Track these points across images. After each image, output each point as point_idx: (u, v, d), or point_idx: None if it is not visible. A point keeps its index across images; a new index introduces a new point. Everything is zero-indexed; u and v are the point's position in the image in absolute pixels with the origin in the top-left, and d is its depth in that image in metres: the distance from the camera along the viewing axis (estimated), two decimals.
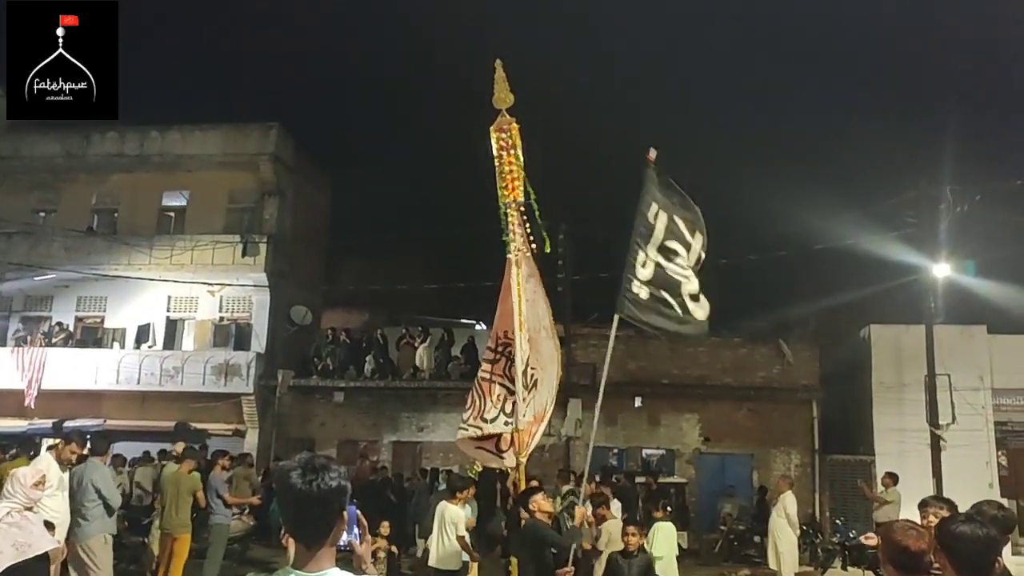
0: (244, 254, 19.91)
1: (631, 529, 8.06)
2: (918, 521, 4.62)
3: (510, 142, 7.14)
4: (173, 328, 21.36)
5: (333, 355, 20.35)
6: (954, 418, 16.09)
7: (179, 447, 12.87)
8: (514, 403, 7.21)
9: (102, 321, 21.60)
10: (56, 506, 7.55)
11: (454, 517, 8.81)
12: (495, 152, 7.19)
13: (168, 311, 21.31)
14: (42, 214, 22.47)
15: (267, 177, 20.80)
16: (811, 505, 17.58)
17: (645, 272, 6.99)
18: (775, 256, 19.08)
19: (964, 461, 16.14)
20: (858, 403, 18.74)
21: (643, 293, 6.94)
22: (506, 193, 7.23)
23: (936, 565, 3.32)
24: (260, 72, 47.22)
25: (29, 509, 5.75)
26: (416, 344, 20.28)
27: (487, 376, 7.52)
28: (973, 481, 15.50)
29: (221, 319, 21.09)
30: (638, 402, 19.09)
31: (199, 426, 19.54)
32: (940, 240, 16.02)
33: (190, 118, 22.07)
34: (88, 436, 9.11)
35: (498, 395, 7.37)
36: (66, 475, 7.97)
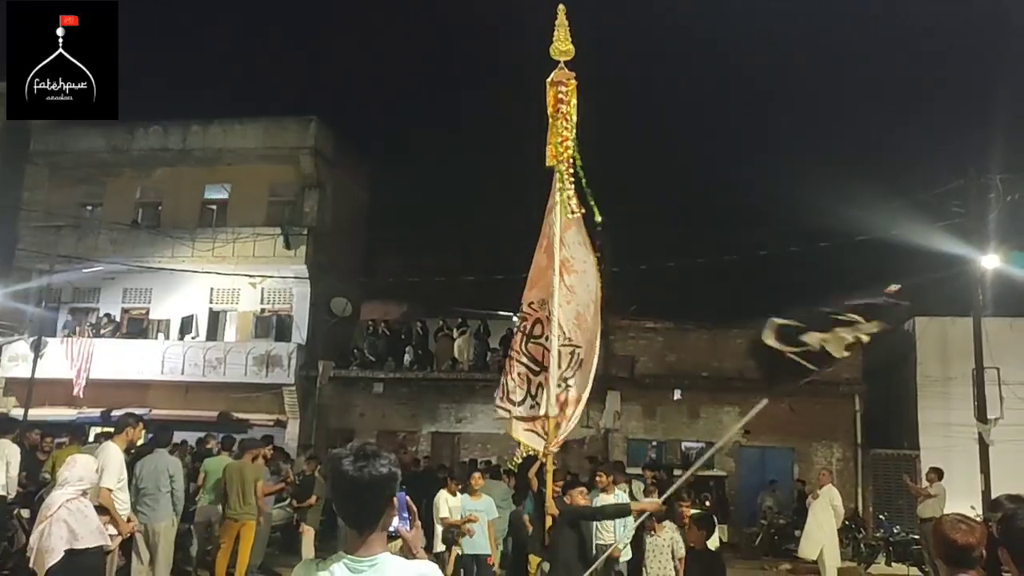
0: (286, 246, 20.15)
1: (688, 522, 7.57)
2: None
3: (567, 98, 6.67)
4: (216, 319, 21.71)
5: (373, 346, 20.53)
6: (1002, 413, 15.71)
7: (212, 442, 13.10)
8: (539, 384, 6.76)
9: (147, 312, 22.02)
10: (125, 497, 7.74)
11: (440, 504, 9.66)
12: (550, 108, 6.70)
13: (211, 303, 21.65)
14: (89, 208, 22.96)
15: (307, 170, 21.00)
16: (853, 500, 17.32)
17: None
18: (817, 247, 18.77)
19: (1013, 456, 15.76)
20: (902, 397, 18.41)
21: None
22: (561, 149, 6.75)
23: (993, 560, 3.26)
24: (297, 64, 47.62)
25: (85, 494, 5.86)
26: (455, 336, 20.37)
27: (512, 354, 7.20)
28: (1021, 476, 15.12)
29: (262, 311, 21.39)
30: (677, 394, 18.97)
31: (241, 416, 19.90)
32: (989, 230, 15.62)
33: (230, 113, 22.24)
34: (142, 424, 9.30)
35: (519, 373, 6.93)
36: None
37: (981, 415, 15.12)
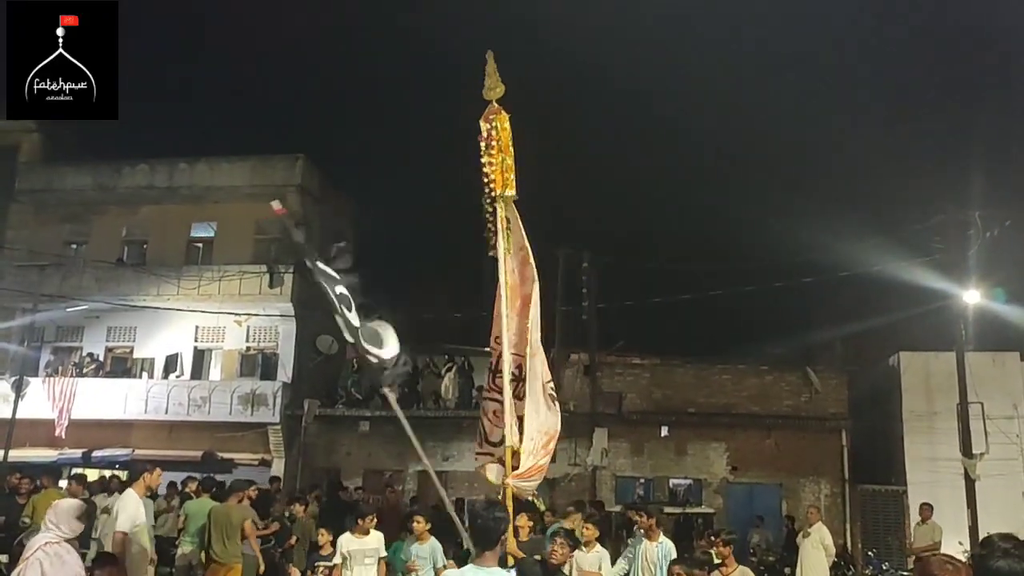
0: (271, 284, 20.12)
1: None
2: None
3: (497, 132, 6.76)
4: (201, 357, 21.56)
5: (358, 385, 20.41)
6: (987, 447, 15.77)
7: (192, 485, 12.94)
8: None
9: (131, 351, 21.86)
10: (145, 540, 8.02)
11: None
12: (482, 144, 6.82)
13: (196, 341, 21.52)
14: (74, 246, 22.84)
15: (294, 208, 21.00)
16: (842, 536, 17.24)
17: None
18: (801, 283, 18.92)
19: (999, 491, 15.82)
20: (888, 432, 18.48)
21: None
22: (493, 187, 6.76)
23: None
24: (281, 102, 47.91)
25: (69, 542, 5.78)
26: (441, 372, 20.30)
27: (485, 394, 7.24)
28: (1008, 511, 15.16)
29: (248, 349, 21.27)
30: (664, 431, 18.95)
31: (226, 455, 19.69)
32: (969, 266, 15.82)
33: (216, 150, 22.34)
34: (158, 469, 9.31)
35: (494, 412, 6.87)
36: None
37: (966, 450, 15.18)
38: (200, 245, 22.23)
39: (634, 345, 20.89)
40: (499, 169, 6.78)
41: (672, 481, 19.01)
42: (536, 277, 7.02)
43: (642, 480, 19.03)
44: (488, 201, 6.86)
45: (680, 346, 20.53)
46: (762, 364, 19.74)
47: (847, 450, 18.42)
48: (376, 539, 8.97)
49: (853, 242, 18.74)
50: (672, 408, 19.06)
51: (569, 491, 18.26)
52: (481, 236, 7.08)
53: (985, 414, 15.96)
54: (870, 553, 16.40)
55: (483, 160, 6.80)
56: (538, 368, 6.73)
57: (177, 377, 20.95)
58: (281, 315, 20.57)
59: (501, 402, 6.69)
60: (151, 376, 21.14)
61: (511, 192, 6.83)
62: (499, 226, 6.85)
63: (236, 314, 20.56)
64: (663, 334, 21.13)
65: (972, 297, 15.99)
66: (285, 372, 20.45)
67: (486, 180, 6.80)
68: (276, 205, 5.82)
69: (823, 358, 21.42)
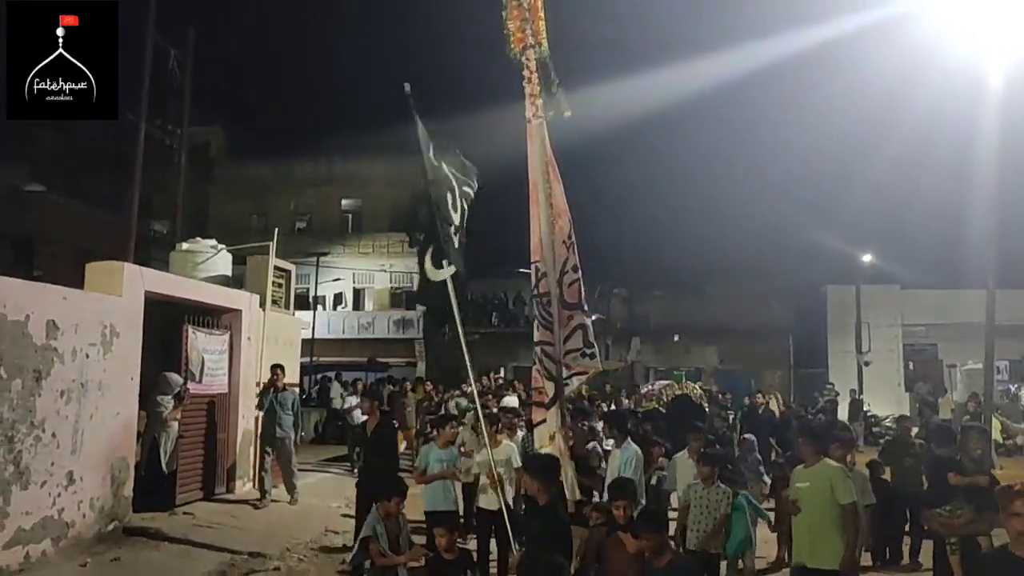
0: (411, 245, 29.76)
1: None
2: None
3: None
4: (358, 295, 31.32)
5: (470, 311, 30.45)
6: (870, 347, 26.38)
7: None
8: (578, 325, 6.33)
9: (307, 291, 31.45)
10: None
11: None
12: None
13: (354, 283, 31.21)
14: (255, 217, 32.09)
15: (420, 191, 30.41)
16: (787, 398, 27.93)
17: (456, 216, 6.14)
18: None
19: (881, 373, 26.53)
20: (817, 336, 29.01)
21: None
22: (520, 36, 6.10)
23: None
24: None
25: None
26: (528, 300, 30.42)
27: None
28: (887, 387, 25.86)
29: (393, 288, 31.03)
30: (676, 338, 29.37)
31: (381, 360, 29.65)
32: None
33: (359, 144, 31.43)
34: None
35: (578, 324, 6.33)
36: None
37: (859, 348, 25.76)
38: (349, 215, 31.69)
39: (654, 278, 30.98)
40: (534, 17, 6.09)
41: (682, 369, 29.49)
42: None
43: (662, 369, 29.50)
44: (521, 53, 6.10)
45: (691, 279, 30.58)
46: (740, 292, 30.09)
47: (792, 348, 28.98)
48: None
49: None
50: (681, 323, 29.41)
51: (616, 378, 28.62)
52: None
53: (871, 326, 26.45)
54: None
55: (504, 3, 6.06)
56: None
57: (343, 308, 30.73)
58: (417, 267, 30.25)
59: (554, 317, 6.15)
60: (324, 308, 30.85)
61: (545, 47, 6.12)
62: (533, 82, 6.11)
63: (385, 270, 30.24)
64: (679, 271, 30.88)
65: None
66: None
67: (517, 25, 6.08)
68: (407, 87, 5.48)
69: (780, 288, 31.82)
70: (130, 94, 15.63)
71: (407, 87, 5.65)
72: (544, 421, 6.25)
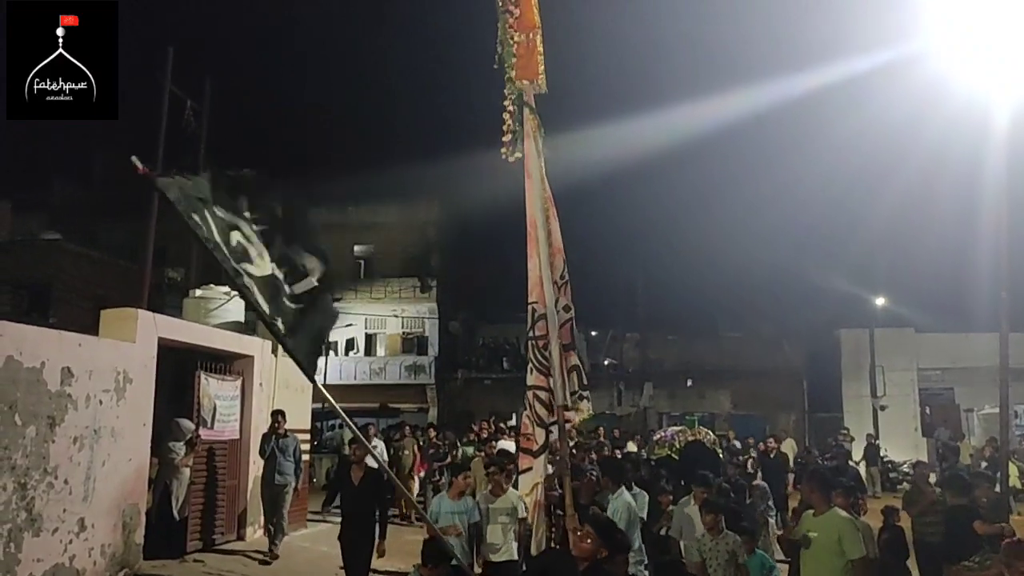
0: (422, 290, 29.89)
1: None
2: None
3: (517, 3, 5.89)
4: (370, 340, 31.38)
5: (482, 356, 30.40)
6: (885, 391, 26.13)
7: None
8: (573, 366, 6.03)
9: None
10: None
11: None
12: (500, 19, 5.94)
13: (366, 328, 31.29)
14: None
15: (432, 238, 30.69)
16: (803, 443, 27.63)
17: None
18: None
19: (896, 417, 26.22)
20: (831, 380, 28.78)
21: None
22: (518, 72, 5.85)
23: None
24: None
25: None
26: None
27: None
28: (902, 430, 25.55)
29: (404, 334, 31.09)
30: (689, 383, 29.17)
31: (393, 406, 29.59)
32: None
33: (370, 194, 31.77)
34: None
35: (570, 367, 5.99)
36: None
37: (873, 392, 25.51)
38: (362, 260, 31.90)
39: (666, 322, 30.91)
40: (528, 51, 5.88)
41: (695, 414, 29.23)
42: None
43: (675, 414, 29.24)
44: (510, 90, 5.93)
45: (703, 323, 30.52)
46: (753, 336, 29.94)
47: (806, 391, 28.73)
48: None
49: None
50: (694, 368, 29.24)
51: (628, 423, 28.41)
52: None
53: (885, 370, 26.24)
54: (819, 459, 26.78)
55: (503, 37, 5.92)
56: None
57: (355, 354, 30.78)
58: (429, 312, 30.35)
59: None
60: (336, 354, 30.89)
61: (541, 82, 5.95)
62: (525, 121, 5.93)
63: (396, 315, 30.36)
64: (691, 315, 30.91)
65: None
66: (433, 349, 30.31)
67: (510, 63, 5.88)
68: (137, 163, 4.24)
69: (792, 331, 31.67)
70: (146, 143, 16.03)
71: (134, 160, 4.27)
72: (530, 469, 6.01)
